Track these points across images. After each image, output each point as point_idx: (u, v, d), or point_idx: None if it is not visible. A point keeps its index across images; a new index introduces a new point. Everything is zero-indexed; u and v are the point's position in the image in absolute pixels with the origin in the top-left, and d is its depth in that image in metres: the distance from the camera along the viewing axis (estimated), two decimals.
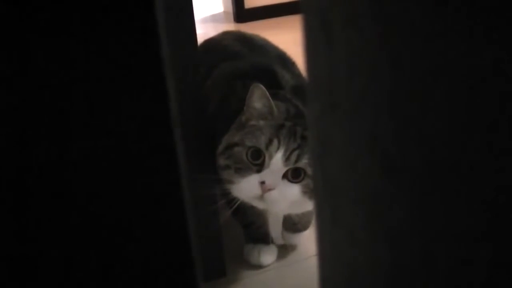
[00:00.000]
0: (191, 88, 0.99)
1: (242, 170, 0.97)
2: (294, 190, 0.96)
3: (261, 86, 0.97)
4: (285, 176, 0.95)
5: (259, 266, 1.15)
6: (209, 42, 1.39)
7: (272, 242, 1.18)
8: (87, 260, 0.31)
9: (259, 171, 0.96)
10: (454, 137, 0.22)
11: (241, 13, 3.57)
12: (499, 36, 0.21)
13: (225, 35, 1.40)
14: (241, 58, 1.20)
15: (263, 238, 1.17)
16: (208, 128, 1.05)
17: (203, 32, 3.13)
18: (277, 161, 0.95)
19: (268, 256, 1.16)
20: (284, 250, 1.19)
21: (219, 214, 1.07)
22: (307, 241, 1.19)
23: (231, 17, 3.64)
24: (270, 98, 0.97)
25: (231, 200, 1.01)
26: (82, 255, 0.30)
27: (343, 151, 0.26)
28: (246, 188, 0.97)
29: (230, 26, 3.46)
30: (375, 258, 0.26)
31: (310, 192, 0.96)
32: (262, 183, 0.95)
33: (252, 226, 1.17)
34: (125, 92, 0.29)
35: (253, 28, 3.15)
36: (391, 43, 0.22)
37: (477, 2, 0.21)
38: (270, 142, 0.95)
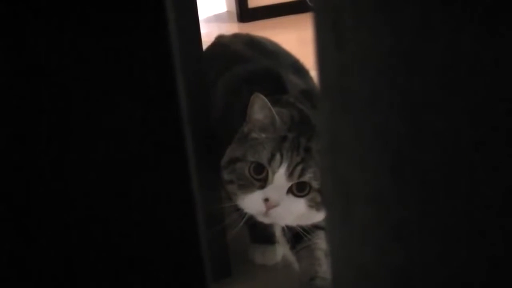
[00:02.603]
0: (195, 88, 0.99)
1: (245, 186, 0.95)
2: (299, 205, 0.94)
3: (262, 96, 0.94)
4: (289, 190, 0.93)
5: (264, 266, 1.15)
6: (218, 45, 1.36)
7: (277, 242, 1.18)
8: (94, 260, 0.31)
9: (262, 187, 0.94)
10: (467, 137, 0.22)
11: (244, 12, 3.56)
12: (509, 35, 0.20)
13: (235, 38, 1.37)
14: (251, 62, 1.17)
15: (268, 238, 1.16)
16: (214, 132, 1.04)
17: (207, 31, 3.13)
18: (280, 176, 0.93)
19: (273, 256, 1.16)
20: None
21: (224, 213, 1.07)
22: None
23: (235, 16, 3.63)
24: (271, 109, 0.94)
25: (242, 214, 1.00)
26: (87, 255, 0.30)
27: (353, 150, 0.26)
28: (250, 205, 0.95)
29: (234, 25, 3.46)
30: (384, 257, 0.26)
31: (317, 205, 0.94)
32: (266, 200, 0.93)
33: (257, 226, 1.16)
34: (133, 91, 0.28)
35: (256, 28, 3.15)
36: (402, 42, 0.22)
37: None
38: (272, 157, 0.93)
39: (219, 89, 1.14)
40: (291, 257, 1.13)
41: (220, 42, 1.39)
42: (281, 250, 1.17)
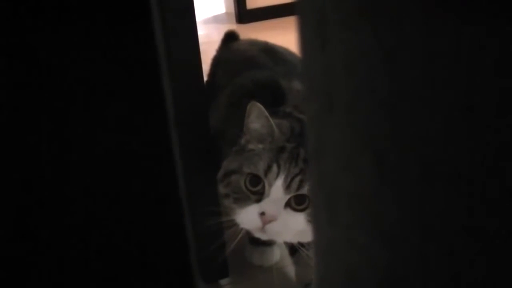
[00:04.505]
0: (192, 90, 0.98)
1: (241, 200, 0.90)
2: (298, 220, 0.87)
3: (259, 104, 0.90)
4: (288, 204, 0.87)
5: (261, 267, 1.15)
6: (234, 50, 1.32)
7: (275, 243, 1.17)
8: (87, 260, 0.31)
9: (258, 200, 0.88)
10: (448, 137, 0.22)
11: (243, 13, 3.57)
12: (499, 35, 0.21)
13: (252, 45, 1.31)
14: (260, 70, 1.13)
15: (266, 240, 1.16)
16: (214, 144, 1.01)
17: (205, 33, 3.13)
18: (277, 189, 0.87)
19: (270, 256, 1.15)
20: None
21: (223, 228, 1.05)
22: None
23: (233, 18, 3.64)
24: (269, 118, 0.90)
25: (239, 229, 0.94)
26: (82, 254, 0.31)
27: (339, 151, 0.26)
28: (245, 219, 0.90)
29: (232, 27, 3.46)
30: (370, 258, 0.26)
31: None
32: (262, 214, 0.87)
33: None
34: (123, 92, 0.29)
35: (255, 29, 3.15)
36: (385, 42, 0.23)
37: None
38: (269, 168, 0.88)
39: (222, 99, 1.12)
40: (288, 258, 1.13)
41: (236, 47, 1.35)
42: (279, 252, 1.17)
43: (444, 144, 0.22)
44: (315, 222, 0.30)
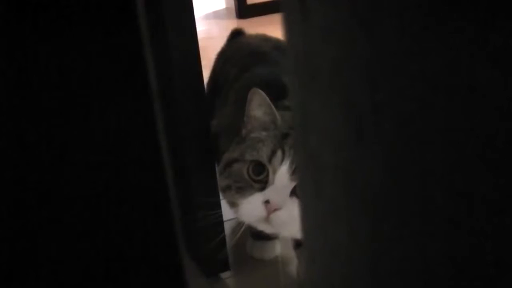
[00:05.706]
0: (190, 85, 0.98)
1: (243, 189, 0.86)
2: None
3: (260, 91, 0.87)
4: (293, 192, 0.83)
5: (262, 261, 1.15)
6: (245, 45, 1.30)
7: (276, 237, 1.18)
8: (85, 261, 0.31)
9: (262, 189, 0.84)
10: (428, 107, 0.22)
11: (243, 9, 3.56)
12: (474, 13, 0.21)
13: (264, 41, 1.29)
14: (269, 66, 1.11)
15: (267, 234, 1.16)
16: (218, 140, 1.00)
17: (206, 28, 3.13)
18: (282, 175, 0.83)
19: (271, 250, 1.15)
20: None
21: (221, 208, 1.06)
22: None
23: (233, 13, 3.63)
24: (271, 105, 0.87)
25: (241, 224, 0.92)
26: (79, 256, 0.31)
27: (322, 123, 0.26)
28: (248, 210, 0.85)
29: (233, 22, 3.46)
30: (355, 230, 0.26)
31: None
32: (267, 202, 0.83)
33: None
34: (113, 92, 0.29)
35: (255, 24, 3.14)
36: (362, 13, 0.22)
37: None
38: (273, 154, 0.84)
39: (230, 95, 1.10)
40: (289, 252, 1.13)
41: (246, 41, 1.33)
42: (280, 245, 1.17)
43: (423, 114, 0.22)
44: (302, 197, 0.30)
